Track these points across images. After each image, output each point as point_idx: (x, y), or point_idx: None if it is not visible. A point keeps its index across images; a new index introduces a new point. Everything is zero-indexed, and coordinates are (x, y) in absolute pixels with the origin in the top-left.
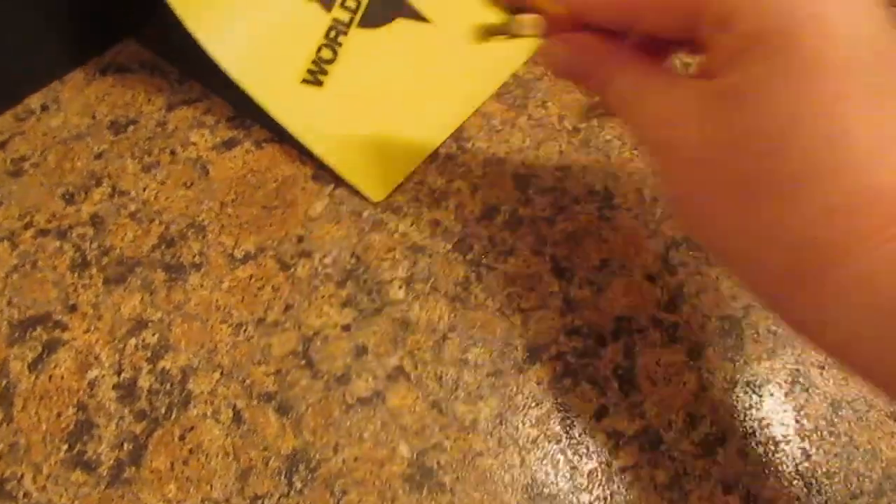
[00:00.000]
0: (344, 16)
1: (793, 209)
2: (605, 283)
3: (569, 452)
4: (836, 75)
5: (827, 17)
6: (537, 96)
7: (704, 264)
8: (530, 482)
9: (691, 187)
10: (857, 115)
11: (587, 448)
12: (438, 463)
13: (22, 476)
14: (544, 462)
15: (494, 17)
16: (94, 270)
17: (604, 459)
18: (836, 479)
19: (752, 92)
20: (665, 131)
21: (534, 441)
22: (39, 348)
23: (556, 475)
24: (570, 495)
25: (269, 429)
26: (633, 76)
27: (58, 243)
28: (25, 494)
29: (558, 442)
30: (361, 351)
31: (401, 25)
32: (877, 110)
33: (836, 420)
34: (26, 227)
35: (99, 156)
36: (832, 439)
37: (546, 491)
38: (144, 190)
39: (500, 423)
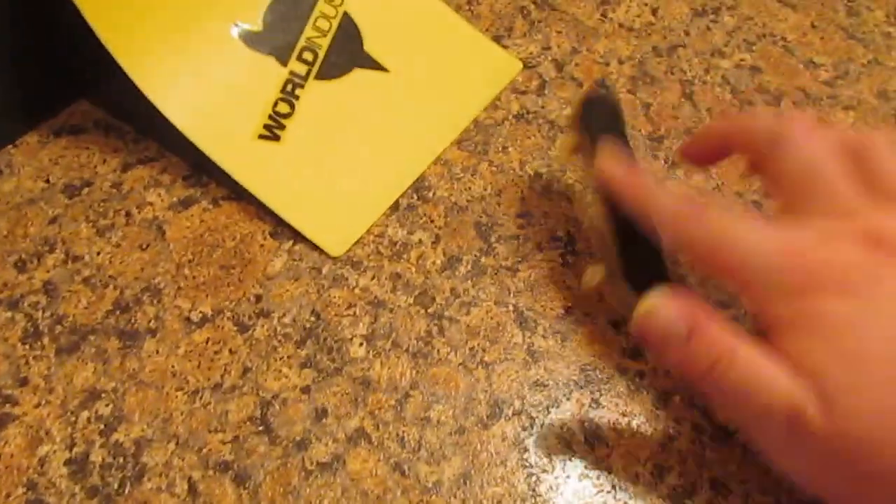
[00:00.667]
0: (301, 68)
1: None
2: (570, 331)
3: None
4: None
5: None
6: (498, 141)
7: None
8: None
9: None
10: None
11: None
12: None
13: None
14: None
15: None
16: (46, 340)
17: None
18: None
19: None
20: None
21: (499, 501)
22: None
23: None
24: None
25: (225, 500)
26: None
27: (9, 314)
28: None
29: (524, 500)
30: (321, 413)
31: (359, 76)
32: None
33: None
34: None
35: (53, 220)
36: None
37: None
38: (99, 254)
39: (465, 482)
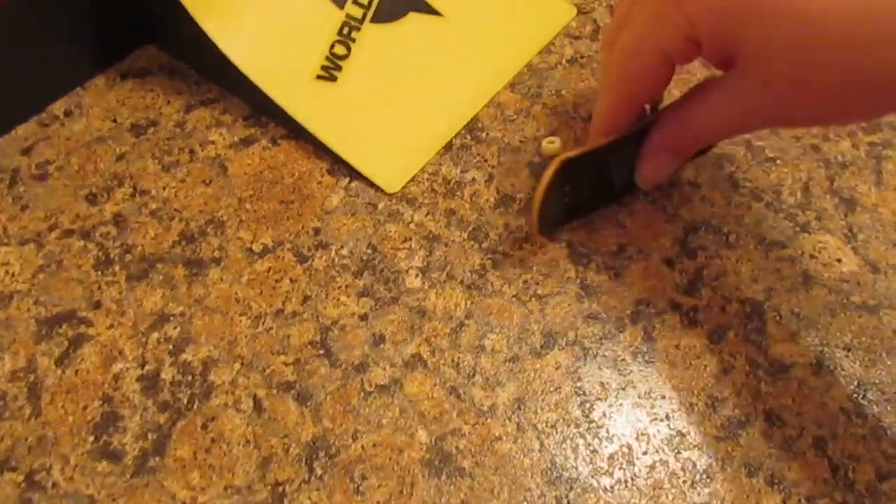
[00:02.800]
0: (357, 12)
1: None
2: (623, 267)
3: (588, 436)
4: None
5: None
6: (551, 85)
7: (724, 247)
8: (549, 466)
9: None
10: None
11: (607, 432)
12: (457, 448)
13: (50, 467)
14: (563, 446)
15: None
16: (117, 268)
17: (625, 443)
18: (863, 461)
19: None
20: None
21: (552, 425)
22: (66, 344)
23: (575, 459)
24: (591, 479)
25: (288, 417)
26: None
27: (82, 243)
28: (54, 485)
29: (577, 426)
30: (379, 340)
31: (413, 20)
32: None
33: (862, 402)
34: (51, 228)
35: (120, 157)
36: (858, 421)
37: (566, 475)
38: (165, 189)
39: (519, 408)
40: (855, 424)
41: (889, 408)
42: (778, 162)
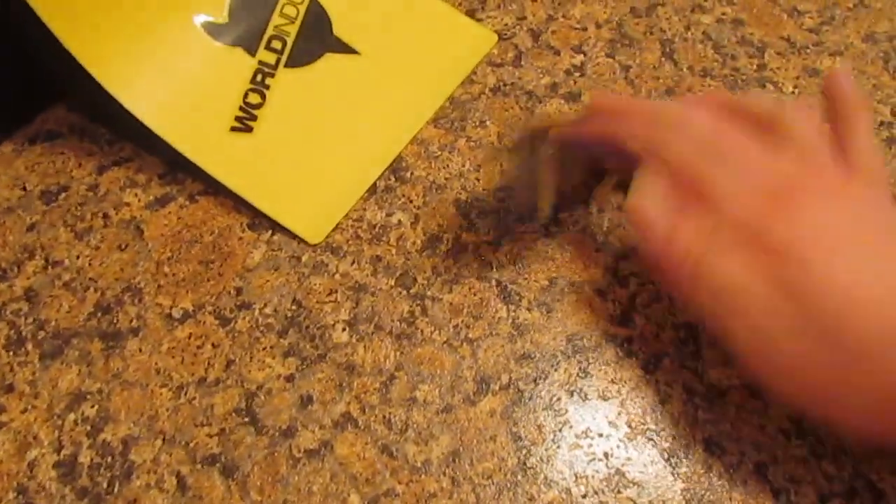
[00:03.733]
0: (270, 58)
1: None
2: (554, 302)
3: (526, 485)
4: None
5: None
6: (475, 116)
7: None
8: None
9: (765, 345)
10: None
11: (545, 478)
12: None
13: None
14: (500, 498)
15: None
16: (29, 346)
17: (564, 487)
18: (804, 484)
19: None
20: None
21: (489, 476)
22: None
23: None
24: None
25: (214, 492)
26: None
27: None
28: None
29: (514, 475)
30: (307, 401)
31: (330, 60)
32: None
33: (801, 421)
34: None
35: (31, 227)
36: (798, 441)
37: None
38: (78, 258)
39: (454, 460)
40: (794, 446)
41: (826, 429)
42: None
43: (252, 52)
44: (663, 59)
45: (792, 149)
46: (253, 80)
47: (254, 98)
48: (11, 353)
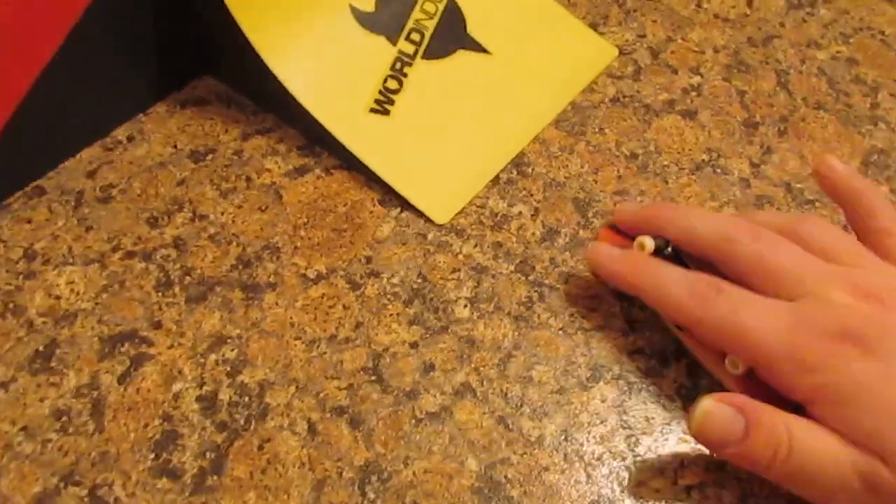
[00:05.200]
0: (409, 48)
1: None
2: None
3: (634, 469)
4: None
5: None
6: (594, 123)
7: None
8: (597, 498)
9: None
10: None
11: (653, 466)
12: (506, 477)
13: (113, 483)
14: (610, 478)
15: None
16: (177, 290)
17: (670, 477)
18: None
19: None
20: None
21: (599, 458)
22: (128, 363)
23: (621, 492)
24: None
25: (342, 441)
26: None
27: (143, 264)
28: (116, 500)
29: (623, 459)
30: (429, 367)
31: (463, 57)
32: None
33: None
34: (114, 249)
35: (181, 182)
36: None
37: None
38: (223, 214)
39: (566, 439)
40: None
41: None
42: (817, 204)
43: (393, 41)
44: (778, 88)
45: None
46: (392, 68)
47: (392, 84)
48: (160, 294)
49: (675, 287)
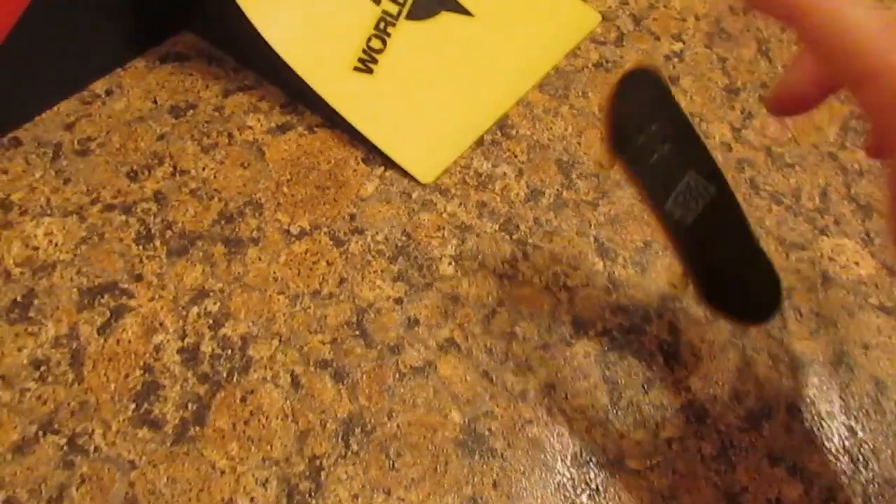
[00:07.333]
0: (393, 8)
1: None
2: (649, 263)
3: (616, 423)
4: None
5: None
6: (578, 87)
7: None
8: (578, 450)
9: None
10: None
11: (634, 418)
12: (489, 429)
13: (93, 432)
14: (592, 431)
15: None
16: (157, 243)
17: (651, 430)
18: (883, 457)
19: None
20: None
21: (581, 411)
22: (108, 314)
23: (604, 444)
24: (618, 464)
25: (325, 394)
26: None
27: (123, 217)
28: (96, 449)
29: (606, 412)
30: (413, 323)
31: (446, 18)
32: None
33: (881, 399)
34: (93, 202)
35: (160, 137)
36: (878, 417)
37: (594, 459)
38: (204, 169)
39: (549, 393)
40: (874, 420)
41: None
42: (797, 168)
43: (377, 1)
44: (759, 55)
45: None
46: (376, 27)
47: (376, 43)
48: (141, 247)
49: (865, 16)
